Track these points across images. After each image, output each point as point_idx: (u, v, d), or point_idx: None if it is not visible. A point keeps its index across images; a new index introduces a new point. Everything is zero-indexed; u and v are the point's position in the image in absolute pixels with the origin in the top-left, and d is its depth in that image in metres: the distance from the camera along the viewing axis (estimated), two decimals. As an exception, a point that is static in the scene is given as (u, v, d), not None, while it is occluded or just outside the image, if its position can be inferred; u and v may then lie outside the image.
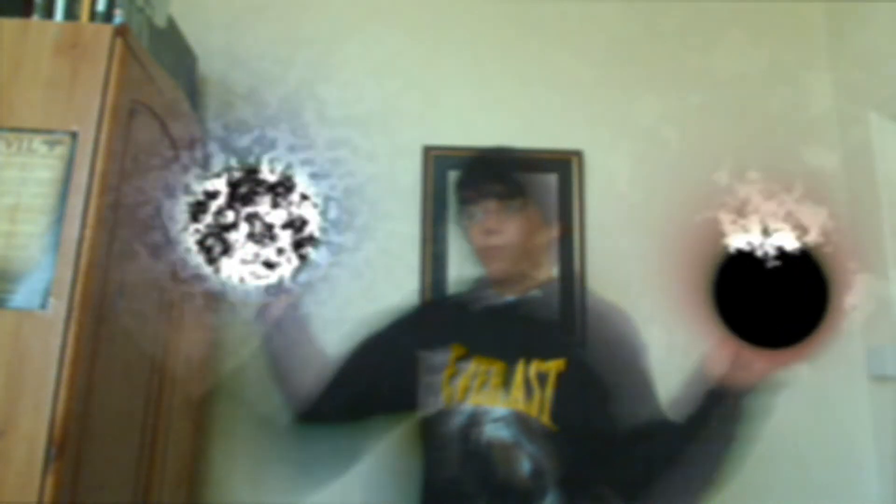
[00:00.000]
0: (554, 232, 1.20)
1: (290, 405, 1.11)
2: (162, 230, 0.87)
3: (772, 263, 0.87)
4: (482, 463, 1.00)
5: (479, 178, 1.16)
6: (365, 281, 1.74)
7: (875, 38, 1.80)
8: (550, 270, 1.19)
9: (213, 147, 0.90)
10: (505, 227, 1.10)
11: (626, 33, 1.97)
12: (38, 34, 1.04)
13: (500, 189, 1.11)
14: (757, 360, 0.86)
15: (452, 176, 1.82)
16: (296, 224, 0.95)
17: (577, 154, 1.85)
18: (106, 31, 1.05)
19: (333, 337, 1.71)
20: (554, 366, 1.05)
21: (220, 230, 0.91)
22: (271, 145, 1.01)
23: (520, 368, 1.06)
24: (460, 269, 1.78)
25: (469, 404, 1.05)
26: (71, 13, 1.14)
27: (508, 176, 1.14)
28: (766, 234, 0.90)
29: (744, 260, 0.89)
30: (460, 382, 1.07)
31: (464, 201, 1.16)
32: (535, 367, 1.05)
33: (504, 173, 1.15)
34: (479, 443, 1.01)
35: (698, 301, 0.96)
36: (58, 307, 0.93)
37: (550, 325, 1.14)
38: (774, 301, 0.87)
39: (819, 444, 1.73)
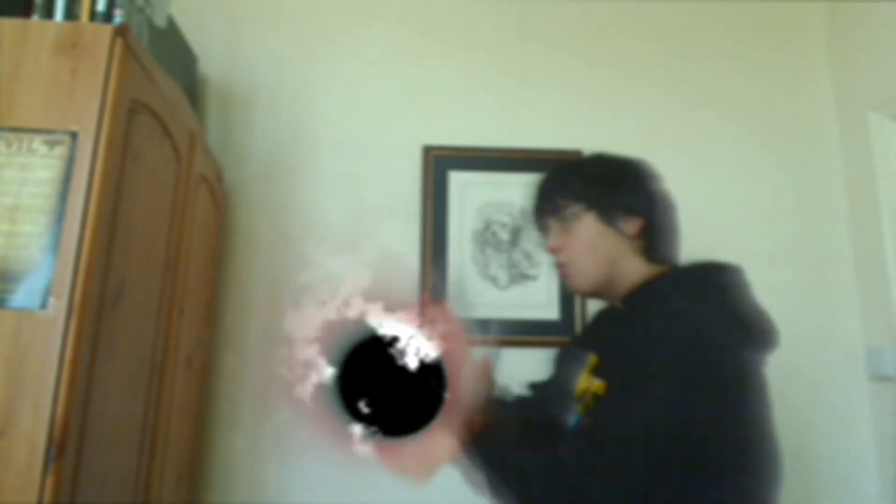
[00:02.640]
0: (630, 229, 1.04)
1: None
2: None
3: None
4: None
5: (537, 200, 1.12)
6: (365, 280, 1.74)
7: (875, 38, 1.80)
8: (641, 274, 1.04)
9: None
10: (566, 244, 1.06)
11: (625, 34, 1.97)
12: (38, 34, 1.04)
13: (550, 206, 1.08)
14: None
15: (452, 176, 1.83)
16: None
17: (577, 154, 1.85)
18: (106, 31, 1.05)
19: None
20: (595, 387, 1.01)
21: None
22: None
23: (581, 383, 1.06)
24: (460, 270, 1.78)
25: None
26: (71, 13, 1.14)
27: (558, 189, 1.08)
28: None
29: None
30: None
31: (537, 227, 1.15)
32: (585, 384, 1.04)
33: (554, 188, 1.09)
34: None
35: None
36: (58, 307, 0.93)
37: (618, 338, 1.02)
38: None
39: (819, 444, 1.73)
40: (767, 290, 1.12)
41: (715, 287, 0.99)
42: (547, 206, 1.09)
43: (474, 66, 1.92)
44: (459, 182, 1.83)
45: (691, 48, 1.98)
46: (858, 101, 1.84)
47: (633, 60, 1.95)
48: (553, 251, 1.08)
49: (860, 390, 1.76)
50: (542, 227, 1.12)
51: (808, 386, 1.75)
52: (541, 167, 1.82)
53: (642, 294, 1.02)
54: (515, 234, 1.82)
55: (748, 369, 0.93)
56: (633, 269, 1.05)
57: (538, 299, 1.77)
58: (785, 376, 1.75)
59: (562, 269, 1.08)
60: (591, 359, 1.07)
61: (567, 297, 1.77)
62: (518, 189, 1.84)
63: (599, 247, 1.04)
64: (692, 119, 1.92)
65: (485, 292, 1.76)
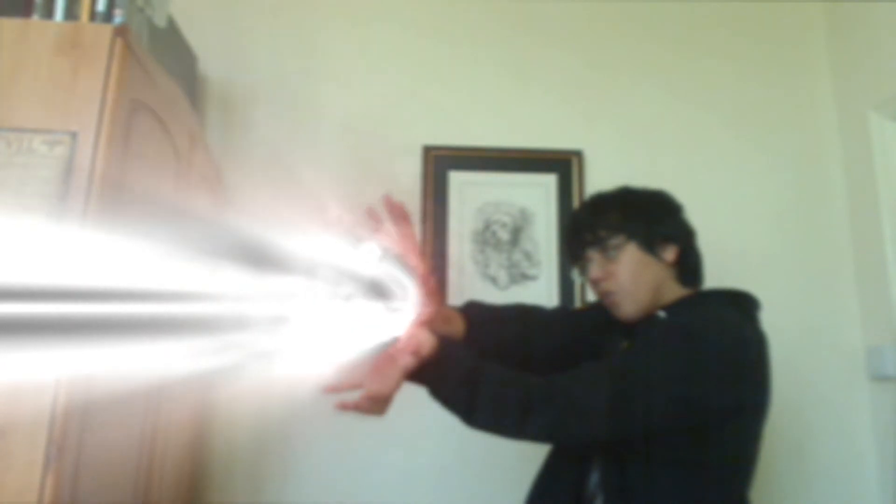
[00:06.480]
0: (669, 257, 1.11)
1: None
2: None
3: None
4: None
5: (576, 233, 1.16)
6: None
7: (875, 38, 1.80)
8: (677, 297, 1.12)
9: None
10: (609, 273, 1.10)
11: (625, 33, 1.97)
12: (38, 34, 1.04)
13: (592, 238, 1.12)
14: None
15: (452, 176, 1.83)
16: None
17: (577, 154, 1.85)
18: (106, 31, 1.05)
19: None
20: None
21: None
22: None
23: None
24: (460, 271, 1.78)
25: None
26: (71, 13, 1.14)
27: (600, 221, 1.12)
28: None
29: None
30: None
31: (572, 259, 1.19)
32: None
33: (595, 220, 1.13)
34: None
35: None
36: (58, 307, 0.93)
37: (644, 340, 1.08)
38: None
39: (819, 444, 1.73)
40: (767, 291, 1.13)
41: (744, 304, 1.10)
42: (588, 238, 1.13)
43: (474, 65, 1.92)
44: (459, 182, 1.83)
45: (691, 48, 1.98)
46: (858, 101, 1.84)
47: (633, 60, 1.95)
48: (596, 281, 1.13)
49: (860, 390, 1.76)
50: (579, 258, 1.16)
51: (808, 386, 1.75)
52: (541, 167, 1.84)
53: (679, 305, 1.10)
54: (515, 234, 1.82)
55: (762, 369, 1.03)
56: (672, 293, 1.12)
57: (538, 299, 1.76)
58: (785, 376, 1.75)
59: (608, 297, 1.12)
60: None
61: (567, 298, 1.77)
62: (518, 189, 1.84)
63: (644, 275, 1.10)
64: (692, 119, 1.92)
65: (485, 292, 1.76)
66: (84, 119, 1.00)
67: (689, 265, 1.14)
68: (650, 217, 1.13)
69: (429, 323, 0.94)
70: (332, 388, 0.93)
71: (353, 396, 0.91)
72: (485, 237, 1.81)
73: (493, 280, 1.79)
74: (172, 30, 1.52)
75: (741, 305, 1.09)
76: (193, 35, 1.70)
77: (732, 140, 1.92)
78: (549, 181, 1.84)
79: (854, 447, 1.73)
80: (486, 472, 1.65)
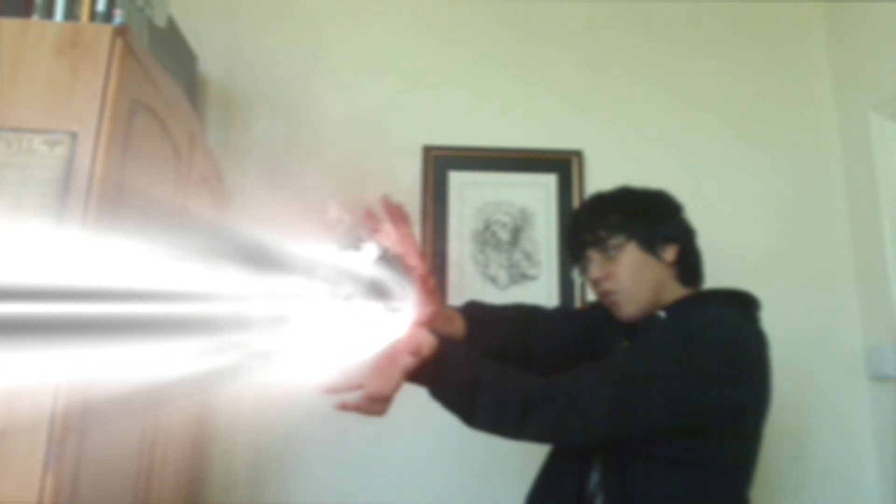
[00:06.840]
0: (669, 256, 1.11)
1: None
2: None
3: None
4: None
5: (576, 234, 1.17)
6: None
7: (875, 38, 1.80)
8: (677, 296, 1.12)
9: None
10: (609, 273, 1.10)
11: (625, 33, 1.97)
12: (38, 34, 1.04)
13: (592, 238, 1.12)
14: None
15: (452, 176, 1.83)
16: None
17: (577, 154, 1.85)
18: (106, 31, 1.05)
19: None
20: None
21: None
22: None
23: None
24: (460, 271, 1.78)
25: None
26: (71, 13, 1.14)
27: (599, 221, 1.12)
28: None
29: None
30: None
31: (572, 259, 1.20)
32: None
33: (594, 220, 1.13)
34: None
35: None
36: (58, 307, 0.93)
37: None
38: None
39: (819, 444, 1.73)
40: (767, 291, 1.13)
41: (744, 304, 1.10)
42: (588, 239, 1.13)
43: (474, 65, 1.92)
44: (459, 182, 1.83)
45: (691, 48, 1.98)
46: (858, 101, 1.84)
47: (632, 60, 1.95)
48: (596, 281, 1.13)
49: (860, 390, 1.76)
50: (579, 258, 1.16)
51: (808, 386, 1.75)
52: (541, 167, 1.85)
53: (679, 305, 1.10)
54: (515, 234, 1.82)
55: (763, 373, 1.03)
56: (673, 293, 1.12)
57: (538, 299, 1.76)
58: (785, 376, 1.75)
59: (609, 297, 1.12)
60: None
61: (567, 298, 1.77)
62: (518, 189, 1.84)
63: (644, 274, 1.10)
64: (692, 119, 1.92)
65: (485, 292, 1.76)
66: (84, 119, 1.00)
67: (689, 265, 1.14)
68: (650, 217, 1.13)
69: (429, 323, 0.94)
70: (332, 389, 0.93)
71: (354, 397, 0.91)
72: (485, 237, 1.81)
73: (493, 280, 1.79)
74: (172, 30, 1.52)
75: (741, 305, 1.09)
76: (193, 35, 1.70)
77: (732, 140, 1.92)
78: (549, 181, 1.84)
79: (854, 447, 1.73)
80: (487, 471, 1.65)
